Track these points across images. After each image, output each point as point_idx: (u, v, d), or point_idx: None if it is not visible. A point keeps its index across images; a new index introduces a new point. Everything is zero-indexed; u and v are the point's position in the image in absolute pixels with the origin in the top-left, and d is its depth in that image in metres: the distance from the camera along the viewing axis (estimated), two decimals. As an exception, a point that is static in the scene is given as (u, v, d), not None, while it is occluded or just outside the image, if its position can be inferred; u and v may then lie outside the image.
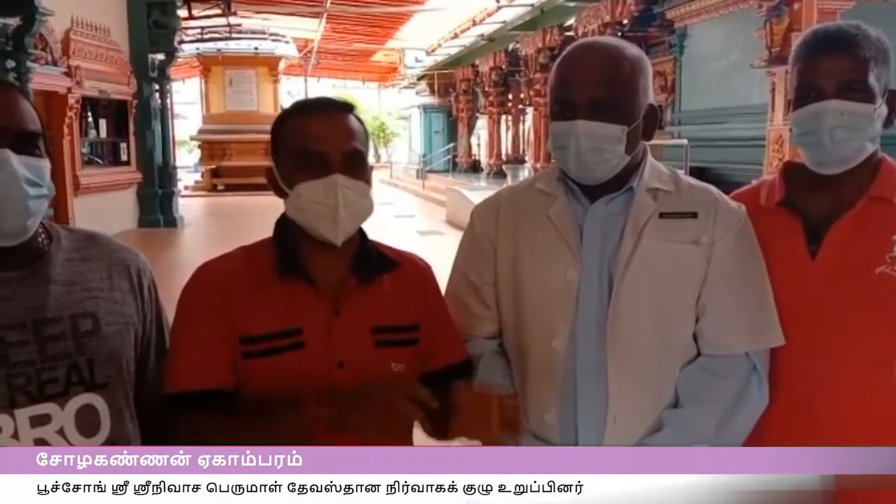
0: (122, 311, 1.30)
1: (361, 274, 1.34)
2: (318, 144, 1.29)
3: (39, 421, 1.18)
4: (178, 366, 1.31)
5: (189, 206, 16.06)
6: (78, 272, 1.27)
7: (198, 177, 23.83)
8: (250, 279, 1.32)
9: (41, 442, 1.18)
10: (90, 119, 12.87)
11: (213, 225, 14.81)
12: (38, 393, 1.18)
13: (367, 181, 1.33)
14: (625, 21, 12.16)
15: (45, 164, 1.20)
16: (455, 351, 1.44)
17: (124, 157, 13.43)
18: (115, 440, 1.25)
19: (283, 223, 1.37)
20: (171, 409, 1.29)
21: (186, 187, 20.81)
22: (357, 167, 1.31)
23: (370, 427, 1.17)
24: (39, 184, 1.18)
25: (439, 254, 1.56)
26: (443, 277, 1.57)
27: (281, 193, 1.34)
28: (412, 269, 1.43)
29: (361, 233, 1.39)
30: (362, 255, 1.37)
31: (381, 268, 1.38)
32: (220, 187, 21.59)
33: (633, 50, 1.43)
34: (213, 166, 22.10)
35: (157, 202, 13.70)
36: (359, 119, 1.36)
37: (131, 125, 13.39)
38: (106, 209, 11.81)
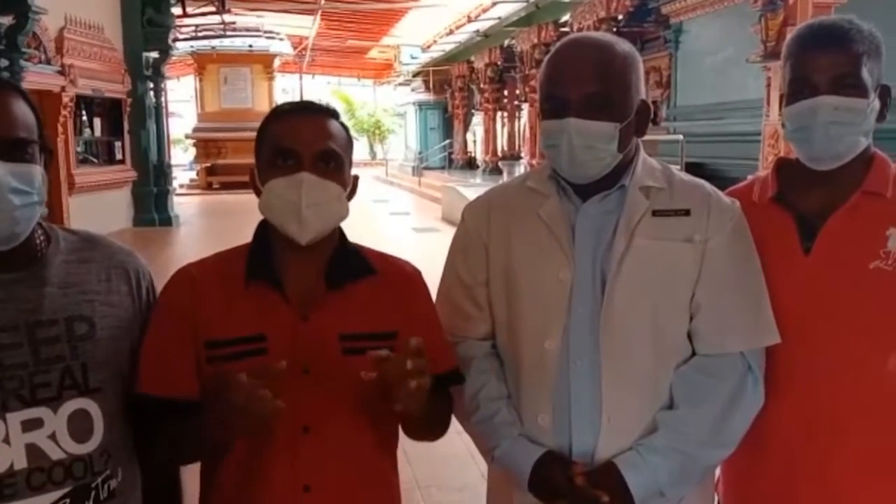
0: (119, 315, 1.28)
1: (333, 279, 1.32)
2: (290, 143, 1.28)
3: (31, 425, 1.15)
4: (140, 368, 1.29)
5: (184, 205, 16.03)
6: (75, 274, 1.25)
7: (193, 175, 23.81)
8: (222, 283, 1.32)
9: (32, 447, 1.15)
10: (84, 118, 12.85)
11: (209, 223, 14.77)
12: (30, 397, 1.16)
13: (342, 184, 1.31)
14: (620, 16, 12.15)
15: (36, 170, 1.17)
16: (442, 361, 1.36)
17: (119, 156, 13.42)
18: (106, 446, 1.23)
19: (263, 227, 1.36)
20: (136, 409, 1.29)
21: (181, 185, 20.79)
22: (330, 168, 1.29)
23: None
24: (28, 191, 1.15)
25: (435, 251, 1.54)
26: (439, 274, 1.56)
27: (259, 193, 1.33)
28: (395, 276, 1.39)
29: (341, 236, 1.37)
30: (338, 260, 1.34)
31: (356, 273, 1.34)
32: (215, 185, 21.56)
33: (623, 45, 1.41)
34: (209, 164, 22.08)
35: (152, 201, 13.69)
36: (343, 126, 1.35)
37: (126, 123, 13.36)
38: (101, 208, 11.79)
